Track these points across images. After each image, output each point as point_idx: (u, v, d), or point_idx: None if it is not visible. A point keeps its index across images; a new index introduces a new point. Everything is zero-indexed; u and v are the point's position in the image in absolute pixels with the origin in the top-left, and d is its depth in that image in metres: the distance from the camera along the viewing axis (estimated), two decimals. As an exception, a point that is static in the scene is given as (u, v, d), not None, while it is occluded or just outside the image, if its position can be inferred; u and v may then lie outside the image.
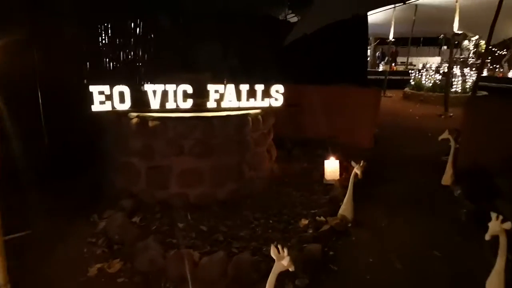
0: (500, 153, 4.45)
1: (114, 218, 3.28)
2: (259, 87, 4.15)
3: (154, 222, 3.43)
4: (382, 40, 22.33)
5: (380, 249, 3.24)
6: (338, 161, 4.68)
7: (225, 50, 4.54)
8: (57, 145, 4.04)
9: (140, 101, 3.71)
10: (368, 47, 24.13)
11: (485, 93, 12.21)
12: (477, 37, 20.50)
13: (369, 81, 16.62)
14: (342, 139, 6.09)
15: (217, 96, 3.98)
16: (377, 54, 22.98)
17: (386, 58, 17.04)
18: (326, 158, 4.78)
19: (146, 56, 4.45)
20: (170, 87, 3.79)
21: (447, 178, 4.68)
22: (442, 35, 22.11)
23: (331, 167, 4.63)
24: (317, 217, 3.64)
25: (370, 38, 25.22)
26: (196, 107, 3.93)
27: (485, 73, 14.19)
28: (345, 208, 3.67)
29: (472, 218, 3.63)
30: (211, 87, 3.94)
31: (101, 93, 3.55)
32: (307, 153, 5.78)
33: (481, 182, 4.29)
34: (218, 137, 3.89)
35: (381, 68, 18.49)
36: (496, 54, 18.04)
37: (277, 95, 4.25)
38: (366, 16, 6.29)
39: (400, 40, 22.00)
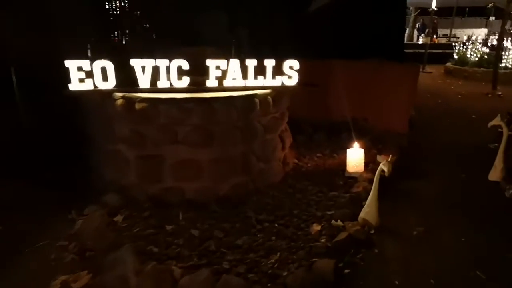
0: None
1: (92, 218, 2.80)
2: (270, 63, 3.49)
3: (138, 223, 2.94)
4: (423, 10, 20.58)
5: (409, 266, 2.59)
6: (363, 150, 3.98)
7: (228, 18, 3.87)
8: (36, 131, 3.59)
9: (126, 79, 3.16)
10: (408, 17, 22.46)
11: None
12: (532, 5, 18.39)
13: (407, 55, 15.39)
14: (372, 122, 5.35)
15: (218, 73, 3.36)
16: (417, 25, 21.28)
17: (427, 30, 15.61)
18: (349, 147, 4.10)
19: (134, 26, 3.86)
20: (162, 63, 3.20)
21: (496, 173, 3.89)
22: (491, 4, 20.04)
23: (355, 157, 3.94)
24: (333, 221, 3.02)
25: (410, 8, 23.42)
26: (193, 87, 3.34)
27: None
28: (368, 211, 3.02)
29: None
30: (211, 63, 3.32)
31: (79, 69, 3.01)
32: (330, 138, 5.09)
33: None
34: (220, 123, 3.30)
35: (421, 41, 17.00)
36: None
37: (291, 72, 3.57)
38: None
39: (443, 10, 20.20)
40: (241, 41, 3.92)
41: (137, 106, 3.14)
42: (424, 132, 5.68)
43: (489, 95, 8.37)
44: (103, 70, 3.08)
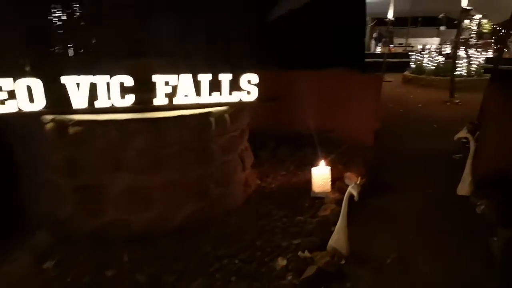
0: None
1: (15, 268, 2.33)
2: (226, 77, 3.16)
3: (73, 269, 2.49)
4: (380, 20, 21.15)
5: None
6: (329, 168, 3.73)
7: (179, 26, 3.51)
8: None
9: (58, 99, 2.72)
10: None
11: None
12: (480, 16, 19.39)
13: (366, 64, 15.64)
14: (338, 134, 5.14)
15: (168, 89, 2.99)
16: (373, 35, 21.82)
17: (384, 40, 15.98)
18: (315, 163, 3.84)
19: (66, 36, 3.40)
20: (101, 79, 2.79)
21: (465, 187, 3.75)
22: (442, 14, 20.95)
23: (321, 176, 3.68)
24: (300, 253, 2.71)
25: (368, 18, 24.04)
26: (138, 106, 2.94)
27: (490, 54, 13.16)
28: (337, 238, 2.73)
29: (507, 250, 2.71)
30: (159, 78, 2.94)
31: (-1, 89, 2.55)
32: (295, 153, 4.83)
33: (510, 195, 3.37)
34: (170, 146, 2.92)
35: (378, 50, 17.39)
36: (501, 33, 16.95)
37: (249, 87, 3.26)
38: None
39: (398, 20, 20.83)
40: (194, 53, 3.57)
41: (71, 130, 2.70)
42: (389, 143, 5.54)
43: (448, 103, 8.49)
44: (29, 89, 2.62)
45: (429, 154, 5.15)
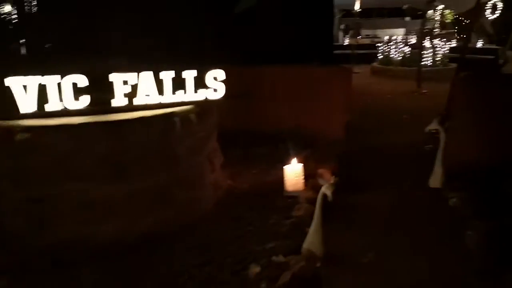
0: (508, 149, 3.56)
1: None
2: (190, 74, 2.98)
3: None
4: (347, 12, 21.33)
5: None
6: (301, 165, 3.62)
7: (140, 21, 3.26)
8: None
9: (1, 103, 2.45)
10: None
11: (455, 65, 11.54)
12: (442, 6, 19.86)
13: (336, 56, 15.72)
14: (310, 129, 5.05)
15: (127, 89, 2.77)
16: (341, 26, 22.00)
17: (351, 31, 16.11)
18: (287, 160, 3.73)
19: (11, 34, 3.09)
20: (52, 79, 2.54)
21: (436, 180, 3.75)
22: (406, 5, 21.33)
23: (293, 174, 3.57)
24: (274, 258, 2.59)
25: (335, 10, 24.18)
26: (95, 108, 2.71)
27: (454, 44, 13.52)
28: (312, 241, 2.63)
29: (483, 244, 2.69)
30: (116, 77, 2.72)
31: None
32: (267, 150, 4.70)
33: (482, 187, 3.39)
34: (132, 150, 2.72)
35: (346, 42, 17.53)
36: (463, 23, 17.46)
37: (216, 84, 3.09)
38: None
39: (365, 12, 21.08)
40: (155, 49, 3.34)
41: (18, 137, 2.44)
42: (360, 136, 5.51)
43: (415, 93, 8.61)
44: (-34, 93, 2.35)
45: (400, 146, 5.17)
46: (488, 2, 13.70)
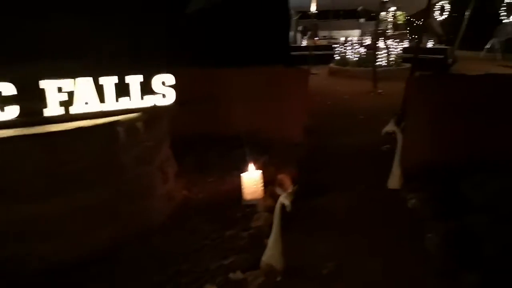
0: (464, 148, 3.61)
1: None
2: (135, 79, 2.74)
3: None
4: (304, 14, 21.57)
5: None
6: (259, 172, 3.48)
7: (78, 23, 2.98)
8: None
9: None
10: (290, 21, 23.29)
11: (409, 65, 11.92)
12: (394, 8, 20.57)
13: (293, 57, 15.80)
14: (268, 133, 4.92)
15: (62, 97, 2.50)
16: (299, 28, 22.21)
17: (309, 33, 16.28)
18: (245, 167, 3.57)
19: None
20: (-29, 89, 2.23)
21: (394, 181, 3.75)
22: (361, 7, 21.92)
23: (251, 181, 3.41)
24: (231, 274, 2.42)
25: (292, 12, 24.40)
26: (25, 119, 2.42)
27: (406, 44, 13.97)
28: (271, 253, 2.49)
29: (443, 246, 2.66)
30: (49, 84, 2.44)
31: None
32: (224, 156, 4.51)
33: (441, 187, 3.40)
34: (70, 164, 2.45)
35: (304, 43, 17.70)
36: (414, 24, 18.18)
37: (164, 89, 2.87)
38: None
39: (321, 13, 21.41)
40: (95, 51, 3.06)
41: None
42: (319, 138, 5.47)
43: (372, 93, 8.76)
44: None
45: (359, 147, 5.16)
46: (437, 4, 14.32)
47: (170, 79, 2.86)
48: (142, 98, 2.79)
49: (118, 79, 2.66)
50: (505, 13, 14.50)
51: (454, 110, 3.80)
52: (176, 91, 2.93)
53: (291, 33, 22.97)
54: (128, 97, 2.73)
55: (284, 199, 2.40)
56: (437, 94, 3.81)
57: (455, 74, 3.80)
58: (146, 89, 2.79)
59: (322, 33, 21.26)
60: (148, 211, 2.94)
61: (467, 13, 14.11)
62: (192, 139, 4.69)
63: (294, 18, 23.51)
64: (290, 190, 2.43)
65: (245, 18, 4.91)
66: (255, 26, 5.09)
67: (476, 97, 3.77)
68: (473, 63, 14.51)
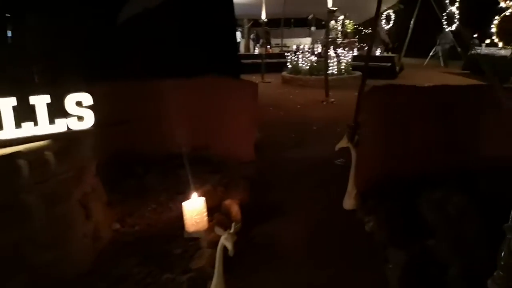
0: (420, 162, 3.43)
1: None
2: (41, 100, 2.25)
3: None
4: (255, 22, 21.51)
5: None
6: (203, 199, 3.07)
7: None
8: None
9: None
10: (241, 29, 23.17)
11: (359, 73, 12.05)
12: (342, 17, 21.05)
13: (246, 66, 15.54)
14: (215, 150, 4.53)
15: None
16: (251, 36, 22.10)
17: (261, 41, 16.14)
18: (189, 191, 3.16)
19: None
20: None
21: (350, 201, 3.49)
22: (311, 16, 22.25)
23: (194, 211, 3.00)
24: (165, 336, 2.00)
25: (244, 20, 24.28)
26: None
27: (355, 53, 14.20)
28: (214, 303, 2.10)
29: (405, 279, 2.40)
30: None
31: None
32: (167, 178, 4.06)
33: (398, 206, 3.18)
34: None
35: (257, 51, 17.54)
36: (363, 33, 18.64)
37: (80, 111, 2.40)
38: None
39: (273, 21, 21.44)
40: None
41: None
42: (271, 153, 5.16)
43: (324, 102, 8.64)
44: None
45: (312, 161, 4.91)
46: (383, 13, 14.73)
47: (87, 98, 2.39)
48: (52, 122, 2.30)
49: (19, 100, 2.16)
50: (447, 22, 15.19)
51: (408, 123, 3.63)
52: (104, 109, 2.47)
53: (244, 41, 22.89)
54: (33, 122, 2.23)
55: (225, 240, 2.03)
56: (391, 106, 3.62)
57: (408, 86, 3.63)
58: (57, 111, 2.31)
59: (274, 41, 21.29)
60: (65, 258, 2.43)
61: (412, 22, 14.65)
62: (131, 160, 4.21)
63: (246, 26, 23.46)
64: (231, 230, 2.05)
65: (186, 24, 4.49)
66: (198, 33, 4.68)
67: (430, 108, 3.63)
68: (418, 70, 15.07)
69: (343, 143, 3.49)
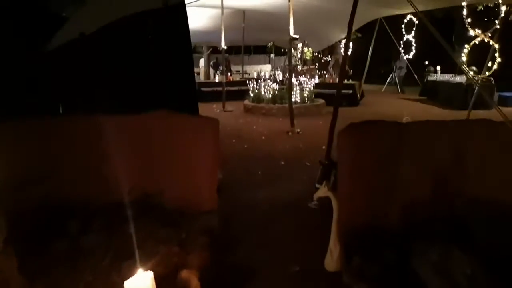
0: (409, 210, 2.96)
1: None
2: None
3: None
4: (215, 49, 21.25)
5: None
6: (150, 275, 2.38)
7: None
8: None
9: None
10: (202, 56, 22.84)
11: (322, 100, 11.87)
12: (300, 44, 21.28)
13: (206, 94, 15.03)
14: (169, 198, 3.84)
15: None
16: (211, 63, 21.78)
17: (220, 68, 15.76)
18: (133, 261, 2.47)
19: None
20: None
21: (333, 262, 2.92)
22: (270, 43, 22.37)
23: (140, 292, 2.30)
24: None
25: (203, 47, 24.01)
26: None
27: (317, 80, 14.12)
28: None
29: None
30: None
31: None
32: (109, 237, 3.31)
33: (389, 265, 2.65)
34: None
35: (217, 79, 17.13)
36: (322, 60, 18.81)
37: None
38: (184, 7, 4.16)
39: (233, 48, 21.31)
40: None
41: None
42: (235, 197, 4.55)
43: (290, 133, 8.21)
44: None
45: (283, 204, 4.35)
46: (341, 41, 14.86)
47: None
48: None
49: None
50: (403, 49, 15.59)
51: (393, 164, 3.18)
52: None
53: (204, 68, 22.50)
54: None
55: None
56: (372, 146, 3.16)
57: (389, 122, 3.20)
58: None
59: (235, 68, 21.09)
60: None
61: (370, 50, 14.88)
62: (64, 215, 3.44)
63: (206, 53, 23.16)
64: None
65: (135, 52, 3.87)
66: (149, 64, 4.07)
67: (416, 146, 3.21)
68: (378, 97, 15.26)
69: (322, 191, 2.95)
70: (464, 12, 7.56)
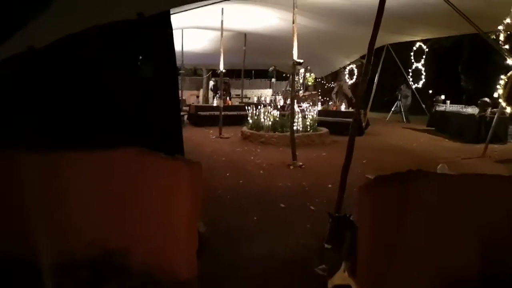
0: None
1: None
2: None
3: None
4: (214, 72, 20.72)
5: None
6: None
7: None
8: None
9: None
10: (201, 79, 22.29)
11: (325, 129, 11.10)
12: (303, 70, 20.77)
13: (203, 118, 14.28)
14: (137, 257, 2.99)
15: None
16: (210, 87, 21.20)
17: (219, 92, 15.12)
18: None
19: None
20: None
21: None
22: (272, 68, 21.87)
23: None
24: None
25: (203, 69, 23.53)
26: None
27: (320, 107, 13.43)
28: None
29: None
30: None
31: None
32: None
33: None
34: None
35: (215, 103, 16.46)
36: (326, 86, 18.22)
37: None
38: (167, 19, 3.41)
39: (233, 72, 20.79)
40: None
41: None
42: (224, 252, 3.68)
43: (291, 167, 7.37)
44: None
45: (283, 266, 3.46)
46: (346, 68, 14.29)
47: None
48: None
49: None
50: (412, 78, 14.98)
51: (431, 230, 2.35)
52: None
53: (202, 92, 21.91)
54: None
55: None
56: (405, 206, 2.33)
57: (427, 173, 2.38)
58: None
59: (234, 92, 20.49)
60: None
61: (376, 77, 14.25)
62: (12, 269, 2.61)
63: (205, 75, 22.65)
64: None
65: (93, 68, 3.08)
66: (122, 90, 3.29)
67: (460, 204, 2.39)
68: (383, 126, 14.51)
69: (341, 278, 2.10)
70: (501, 37, 6.77)
